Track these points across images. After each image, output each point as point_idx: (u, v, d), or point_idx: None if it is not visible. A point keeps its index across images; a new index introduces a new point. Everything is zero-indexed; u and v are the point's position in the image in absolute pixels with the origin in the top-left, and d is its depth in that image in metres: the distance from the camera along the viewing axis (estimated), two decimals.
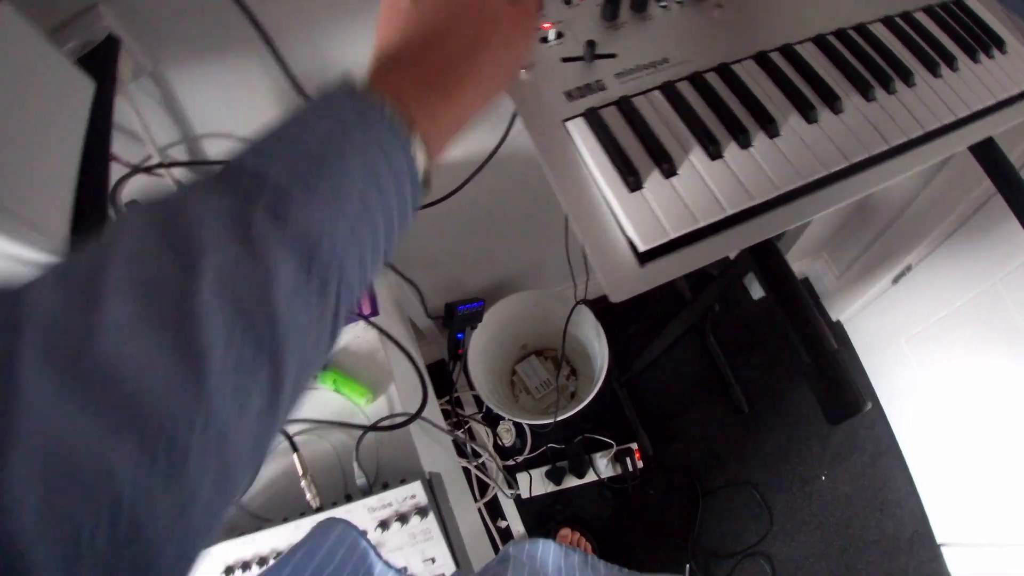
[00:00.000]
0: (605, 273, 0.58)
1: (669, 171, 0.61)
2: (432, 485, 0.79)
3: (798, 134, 0.64)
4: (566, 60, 0.67)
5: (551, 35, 0.67)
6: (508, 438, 1.99)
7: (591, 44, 0.66)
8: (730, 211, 0.60)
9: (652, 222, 0.58)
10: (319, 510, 0.79)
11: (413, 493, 0.78)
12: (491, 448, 1.93)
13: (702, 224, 0.59)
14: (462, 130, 0.43)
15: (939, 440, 1.82)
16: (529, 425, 1.85)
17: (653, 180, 0.61)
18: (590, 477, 1.98)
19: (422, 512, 0.77)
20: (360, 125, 0.34)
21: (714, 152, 0.62)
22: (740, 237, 0.61)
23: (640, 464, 1.97)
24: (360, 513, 0.78)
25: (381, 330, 0.91)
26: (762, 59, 0.69)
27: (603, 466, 1.98)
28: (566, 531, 1.94)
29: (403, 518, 0.77)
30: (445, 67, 0.40)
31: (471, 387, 1.69)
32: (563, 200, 0.61)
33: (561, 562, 0.74)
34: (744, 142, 0.63)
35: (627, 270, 0.58)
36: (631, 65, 0.67)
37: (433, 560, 0.76)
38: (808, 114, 0.65)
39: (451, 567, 0.76)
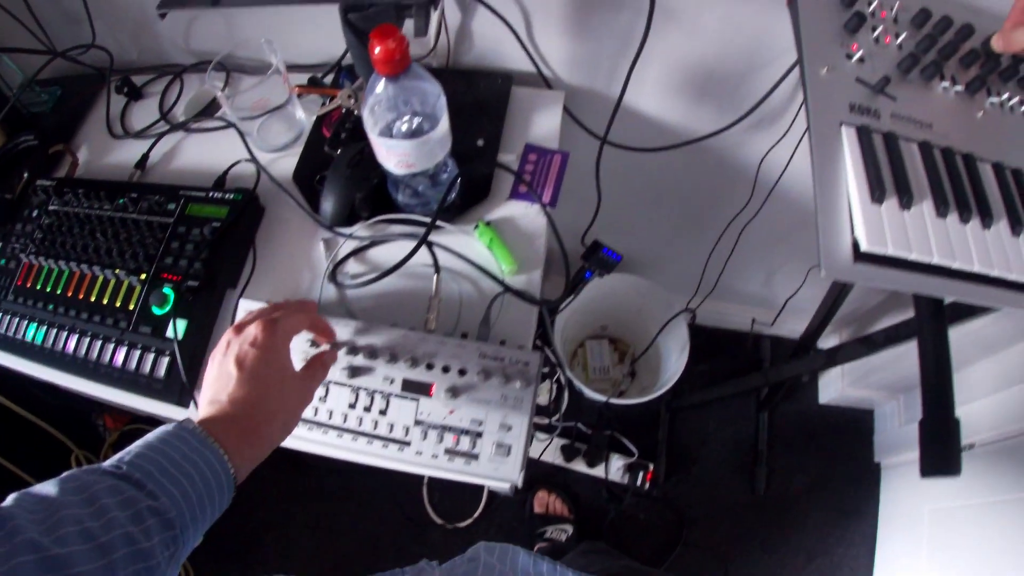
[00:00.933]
0: (825, 251, 0.68)
1: (905, 204, 0.71)
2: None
3: (1002, 236, 0.73)
4: (859, 81, 0.77)
5: (856, 56, 0.78)
6: (544, 399, 2.07)
7: (886, 80, 0.76)
8: (936, 260, 0.69)
9: (879, 232, 0.68)
10: (431, 333, 0.85)
11: (528, 360, 0.82)
12: None
13: (912, 256, 0.68)
14: (263, 457, 0.67)
15: None
16: (584, 394, 1.89)
17: (890, 204, 0.70)
18: (598, 472, 2.04)
19: (526, 381, 0.81)
20: (203, 453, 0.60)
21: (942, 212, 0.71)
22: (931, 285, 0.70)
23: (647, 486, 2.02)
24: (471, 352, 0.83)
25: (551, 221, 0.98)
26: (998, 169, 0.78)
27: (615, 468, 2.04)
28: (543, 493, 2.03)
29: (507, 377, 0.81)
30: (253, 427, 0.66)
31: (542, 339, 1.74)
32: (815, 177, 0.70)
33: (530, 568, 0.80)
34: (965, 218, 0.72)
35: (843, 257, 0.68)
36: (904, 113, 0.77)
37: (509, 428, 0.81)
38: (1015, 228, 0.74)
39: (520, 445, 0.81)
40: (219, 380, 0.68)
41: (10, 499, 0.51)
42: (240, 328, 0.71)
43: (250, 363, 0.67)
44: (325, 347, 0.84)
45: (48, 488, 0.52)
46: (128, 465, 0.56)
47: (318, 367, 0.78)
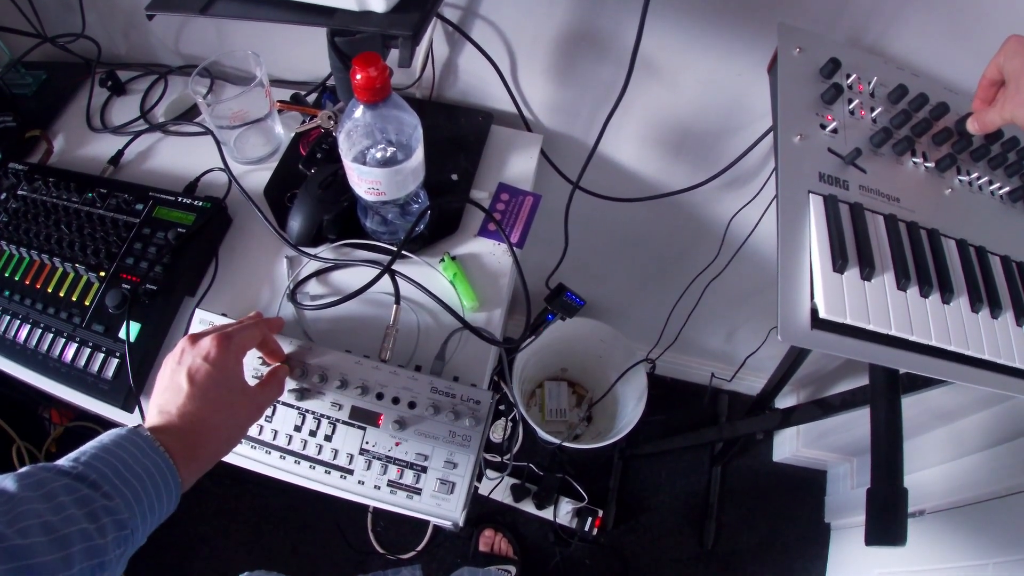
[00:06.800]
0: (784, 316, 0.69)
1: (867, 276, 0.71)
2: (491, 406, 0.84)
3: (961, 312, 0.74)
4: (831, 151, 0.78)
5: (830, 127, 0.79)
6: (498, 436, 2.07)
7: (857, 152, 0.77)
8: (893, 332, 0.70)
9: (838, 301, 0.69)
10: (384, 363, 0.84)
11: (480, 399, 0.82)
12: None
13: (870, 327, 0.69)
14: (207, 468, 0.68)
15: None
16: (538, 436, 1.90)
17: (851, 274, 0.71)
18: (546, 514, 2.03)
19: (476, 420, 0.81)
20: (155, 459, 0.61)
21: (903, 285, 0.72)
22: (886, 356, 0.71)
23: (595, 532, 2.00)
24: (422, 386, 0.82)
25: (516, 262, 0.98)
26: (962, 246, 0.79)
27: (564, 512, 2.03)
28: (489, 532, 2.01)
29: (457, 414, 0.81)
30: (199, 442, 0.67)
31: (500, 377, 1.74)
32: (780, 242, 0.71)
33: None
34: (926, 292, 0.73)
35: (801, 323, 0.69)
36: (872, 186, 0.79)
37: (454, 465, 0.80)
38: (974, 304, 0.75)
39: (465, 484, 0.80)
40: (170, 390, 0.69)
41: None
42: (195, 339, 0.71)
43: (201, 379, 0.68)
44: (275, 364, 0.82)
45: (7, 482, 0.54)
46: (84, 466, 0.58)
47: (273, 384, 0.78)
